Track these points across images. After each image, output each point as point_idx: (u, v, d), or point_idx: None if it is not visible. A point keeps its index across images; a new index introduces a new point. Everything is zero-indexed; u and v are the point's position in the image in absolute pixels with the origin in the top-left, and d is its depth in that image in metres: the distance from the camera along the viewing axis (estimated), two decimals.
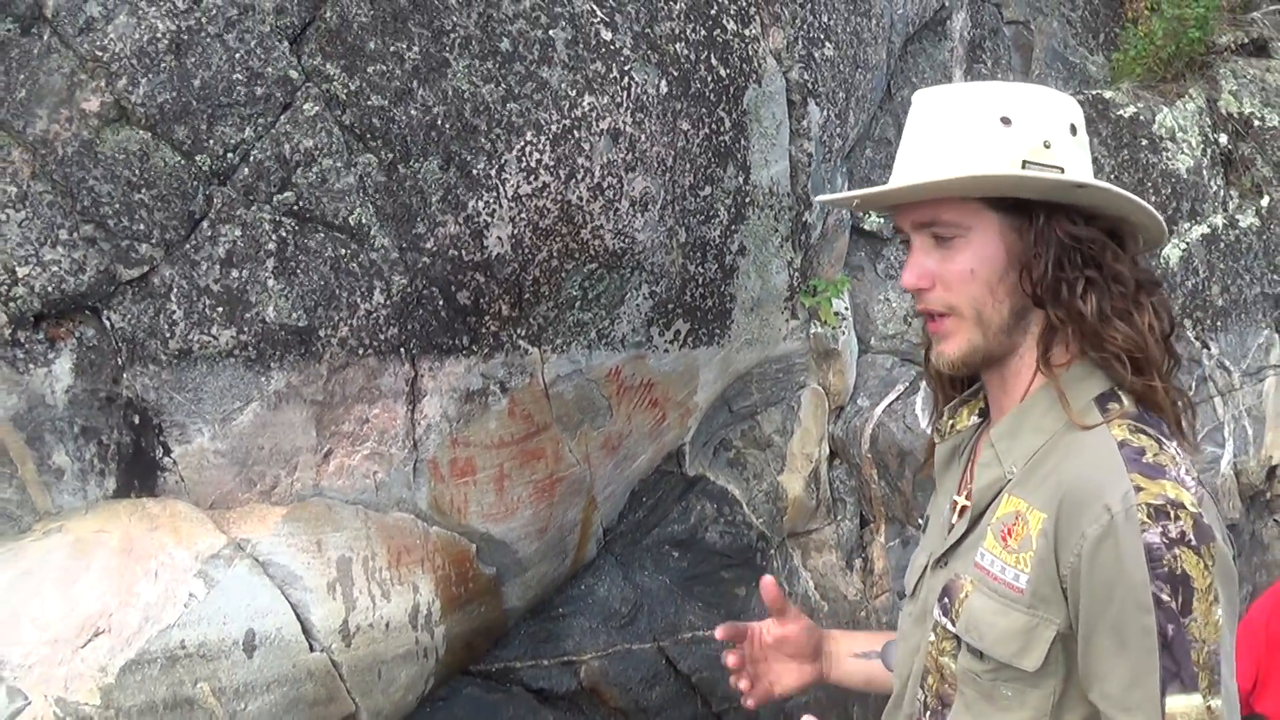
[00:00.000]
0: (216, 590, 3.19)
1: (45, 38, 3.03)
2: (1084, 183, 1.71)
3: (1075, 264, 1.73)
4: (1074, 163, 1.75)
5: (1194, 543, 1.55)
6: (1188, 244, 5.57)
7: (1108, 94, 5.78)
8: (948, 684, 1.84)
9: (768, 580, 2.31)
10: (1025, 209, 1.74)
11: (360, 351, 3.38)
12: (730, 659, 2.32)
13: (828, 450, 4.95)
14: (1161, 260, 5.44)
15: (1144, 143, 5.60)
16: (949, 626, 1.82)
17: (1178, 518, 1.56)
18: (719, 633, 2.33)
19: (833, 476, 4.97)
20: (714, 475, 4.70)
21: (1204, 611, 1.55)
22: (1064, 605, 1.66)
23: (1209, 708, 1.54)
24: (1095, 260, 1.74)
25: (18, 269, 3.00)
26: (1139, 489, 1.59)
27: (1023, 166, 1.72)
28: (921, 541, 2.07)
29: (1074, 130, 1.77)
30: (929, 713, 1.90)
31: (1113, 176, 5.47)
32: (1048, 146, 1.74)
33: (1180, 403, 1.78)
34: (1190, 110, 5.81)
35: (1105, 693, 1.62)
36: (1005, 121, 1.74)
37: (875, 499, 4.91)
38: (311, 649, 3.35)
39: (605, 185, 3.66)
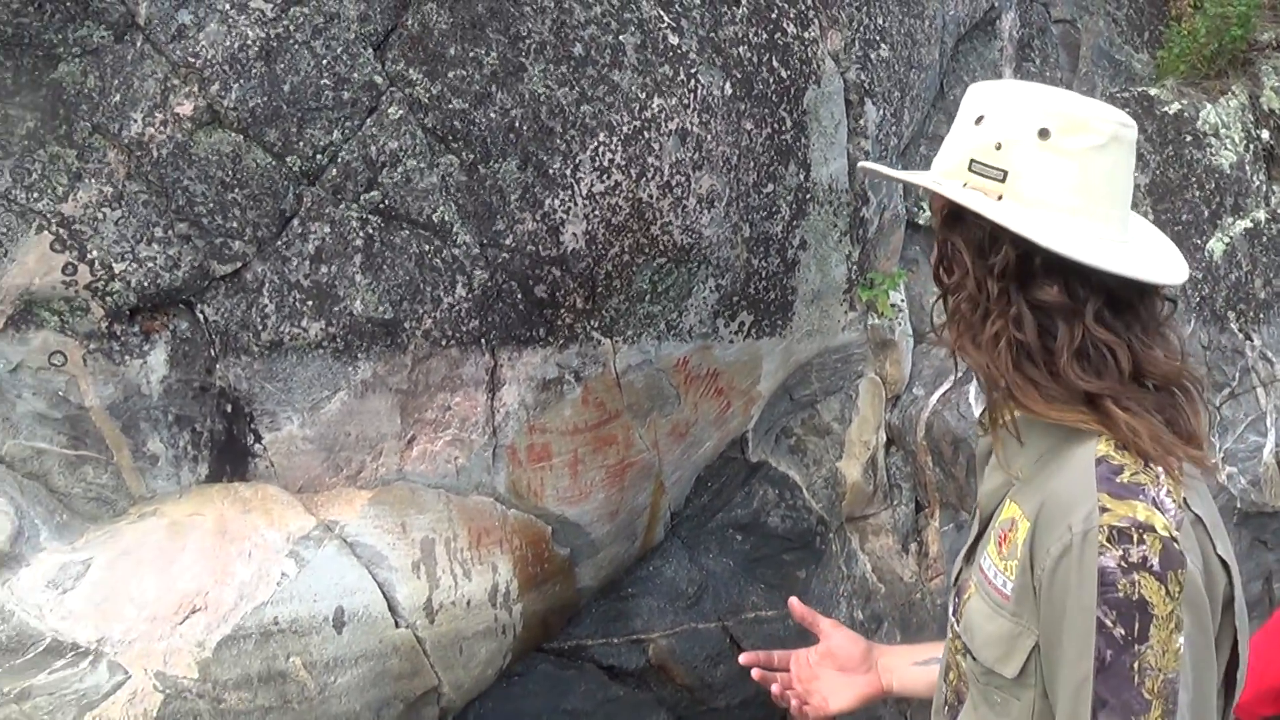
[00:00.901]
0: (307, 570, 3.22)
1: (138, 44, 3.04)
2: (957, 204, 1.66)
3: (949, 271, 1.71)
4: (1029, 168, 1.63)
5: (1157, 568, 1.47)
6: (1231, 238, 5.49)
7: (1152, 91, 5.71)
8: (963, 680, 1.81)
9: (794, 600, 2.34)
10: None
11: (443, 343, 3.39)
12: (774, 689, 2.33)
13: (884, 438, 4.93)
14: (1206, 254, 5.38)
15: (1188, 139, 5.53)
16: (955, 625, 1.80)
17: (1142, 541, 1.48)
18: (743, 659, 2.37)
19: (889, 463, 4.94)
20: (775, 461, 4.68)
21: (1162, 639, 1.47)
22: (1038, 617, 1.61)
23: None
24: (964, 268, 1.68)
25: (114, 265, 3.03)
26: (1104, 510, 1.52)
27: (969, 166, 1.67)
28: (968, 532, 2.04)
29: (1045, 134, 1.63)
30: (947, 707, 1.89)
31: (1158, 173, 5.41)
32: (998, 148, 1.65)
33: (1182, 416, 1.66)
34: (1233, 106, 5.73)
35: (1057, 709, 1.57)
36: (978, 120, 1.68)
37: (930, 485, 4.88)
38: (397, 625, 3.36)
39: (674, 183, 3.65)
